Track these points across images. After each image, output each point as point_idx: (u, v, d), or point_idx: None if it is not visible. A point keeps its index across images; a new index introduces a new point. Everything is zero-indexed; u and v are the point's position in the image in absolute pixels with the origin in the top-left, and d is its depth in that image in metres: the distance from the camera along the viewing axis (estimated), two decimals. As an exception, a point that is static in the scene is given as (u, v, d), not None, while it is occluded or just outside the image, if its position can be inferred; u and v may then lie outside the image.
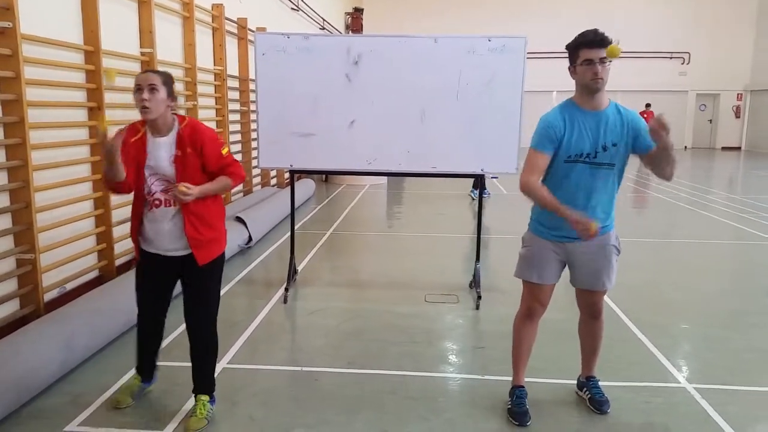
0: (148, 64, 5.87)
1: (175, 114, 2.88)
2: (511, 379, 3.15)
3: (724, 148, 22.86)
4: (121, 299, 4.09)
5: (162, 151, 2.82)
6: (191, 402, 3.07)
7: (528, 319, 3.05)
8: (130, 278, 4.49)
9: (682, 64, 22.45)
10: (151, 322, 3.15)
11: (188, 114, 6.90)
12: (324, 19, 15.05)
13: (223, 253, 3.02)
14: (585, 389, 3.18)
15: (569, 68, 2.77)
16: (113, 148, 2.62)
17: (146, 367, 3.21)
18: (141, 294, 3.10)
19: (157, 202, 2.85)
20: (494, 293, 4.99)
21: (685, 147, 22.89)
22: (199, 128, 2.86)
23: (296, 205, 8.74)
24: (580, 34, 2.72)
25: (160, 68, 6.02)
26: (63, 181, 4.58)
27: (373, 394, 3.27)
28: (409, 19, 21.29)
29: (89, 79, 4.92)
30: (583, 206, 2.75)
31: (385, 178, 12.02)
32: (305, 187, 9.97)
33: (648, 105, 17.23)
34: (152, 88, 2.71)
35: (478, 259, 5.08)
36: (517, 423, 2.94)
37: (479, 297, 4.77)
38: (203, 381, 3.05)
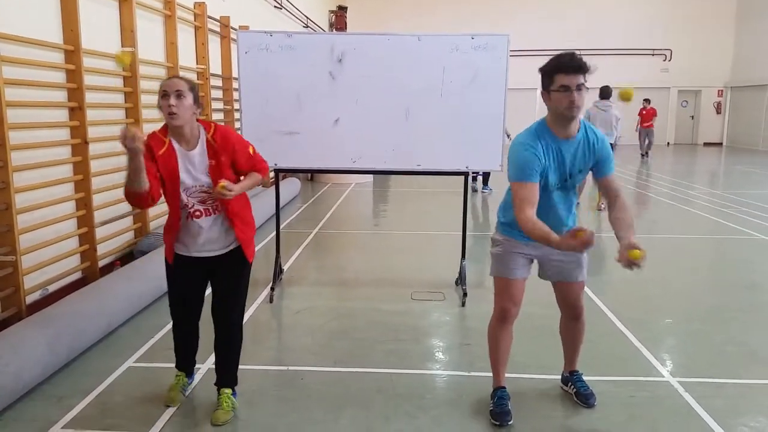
0: (130, 64, 5.81)
1: (199, 120, 2.87)
2: (497, 375, 3.17)
3: (705, 144, 23.12)
4: (104, 301, 4.07)
5: (195, 164, 2.82)
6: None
7: (502, 322, 3.01)
8: (113, 280, 4.49)
9: (664, 60, 22.66)
10: (189, 326, 3.15)
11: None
12: (308, 17, 15.00)
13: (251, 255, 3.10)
14: (570, 384, 3.19)
15: (542, 93, 2.68)
16: (139, 150, 2.53)
17: (187, 363, 3.25)
18: (174, 297, 3.09)
19: (198, 213, 2.87)
20: (480, 290, 5.00)
21: (668, 143, 23.12)
22: (229, 135, 2.88)
23: (282, 204, 8.72)
24: (554, 58, 2.63)
25: (142, 67, 6.01)
26: (44, 182, 4.52)
27: (359, 393, 3.27)
28: (394, 18, 21.28)
29: (70, 78, 4.86)
30: (551, 222, 2.70)
31: (371, 176, 12.02)
32: (291, 186, 9.94)
33: (647, 101, 17.12)
34: (179, 95, 2.70)
35: (463, 256, 5.10)
36: (498, 423, 2.93)
37: (465, 294, 4.79)
38: (228, 375, 3.10)
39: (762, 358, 3.75)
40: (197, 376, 3.42)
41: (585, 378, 3.19)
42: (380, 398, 3.21)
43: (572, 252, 2.71)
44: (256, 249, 6.38)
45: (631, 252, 2.44)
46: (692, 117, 23.48)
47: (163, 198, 2.88)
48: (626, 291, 5.16)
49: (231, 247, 2.96)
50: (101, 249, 5.27)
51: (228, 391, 3.07)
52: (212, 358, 3.63)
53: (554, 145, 2.71)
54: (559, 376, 3.32)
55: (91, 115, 5.07)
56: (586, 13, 22.00)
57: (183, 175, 2.80)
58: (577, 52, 2.67)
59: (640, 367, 3.62)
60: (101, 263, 5.26)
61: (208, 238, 2.91)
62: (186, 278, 3.02)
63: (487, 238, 7.07)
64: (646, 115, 17.12)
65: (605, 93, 8.61)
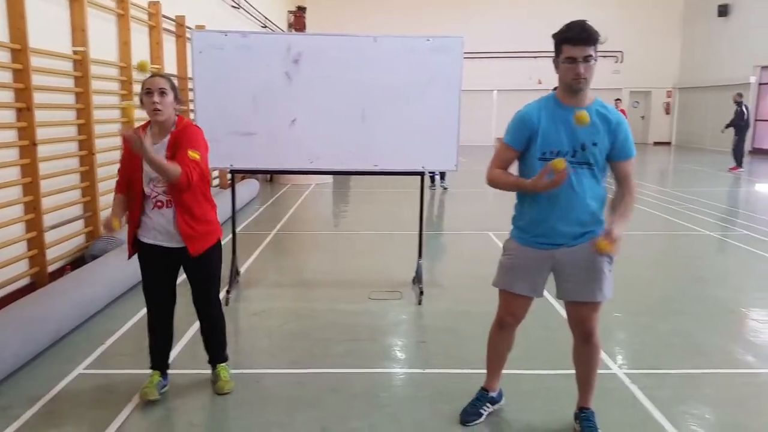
0: (80, 63, 5.69)
1: (178, 116, 3.04)
2: (449, 371, 3.20)
3: (655, 143, 23.85)
4: (53, 306, 3.96)
5: (161, 151, 2.92)
6: (127, 410, 3.02)
7: (500, 329, 2.91)
8: (63, 285, 4.38)
9: (616, 62, 23.30)
10: (160, 314, 3.21)
11: (123, 114, 6.73)
12: (266, 17, 14.89)
13: (218, 243, 3.17)
14: (578, 421, 2.90)
15: (553, 60, 2.57)
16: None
17: (162, 361, 3.26)
18: (146, 286, 3.19)
19: (159, 203, 2.99)
20: (436, 289, 5.07)
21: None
22: (187, 129, 2.99)
23: (240, 205, 8.65)
24: (565, 26, 2.51)
25: (93, 67, 5.88)
26: (-11, 185, 4.39)
27: (314, 393, 3.28)
28: (353, 19, 21.27)
29: (17, 78, 4.73)
30: (563, 206, 2.58)
31: (331, 176, 12.01)
32: (249, 188, 9.84)
33: (618, 100, 16.83)
34: (162, 92, 2.89)
35: (420, 255, 5.16)
36: (460, 420, 2.95)
37: (422, 293, 4.84)
38: (218, 352, 3.36)
39: (704, 349, 3.92)
40: (151, 381, 3.37)
41: (537, 372, 3.20)
42: (336, 398, 3.23)
43: (588, 256, 2.59)
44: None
45: (600, 241, 2.47)
46: (643, 117, 24.19)
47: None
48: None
49: (182, 244, 3.04)
50: (51, 253, 5.14)
51: (223, 364, 3.34)
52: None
53: (560, 112, 2.57)
54: (513, 371, 3.32)
55: (39, 116, 4.94)
56: (542, 16, 22.41)
57: (146, 166, 2.91)
58: (588, 22, 2.50)
59: (590, 360, 3.72)
60: (51, 268, 5.12)
61: (167, 228, 3.01)
62: (154, 267, 3.13)
63: (443, 237, 7.20)
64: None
65: None
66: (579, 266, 2.65)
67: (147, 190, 2.99)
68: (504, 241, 2.86)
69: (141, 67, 3.09)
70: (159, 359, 3.25)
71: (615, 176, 2.70)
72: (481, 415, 2.97)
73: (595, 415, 2.88)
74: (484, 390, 3.04)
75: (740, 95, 14.05)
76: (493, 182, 2.70)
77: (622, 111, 16.00)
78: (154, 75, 2.97)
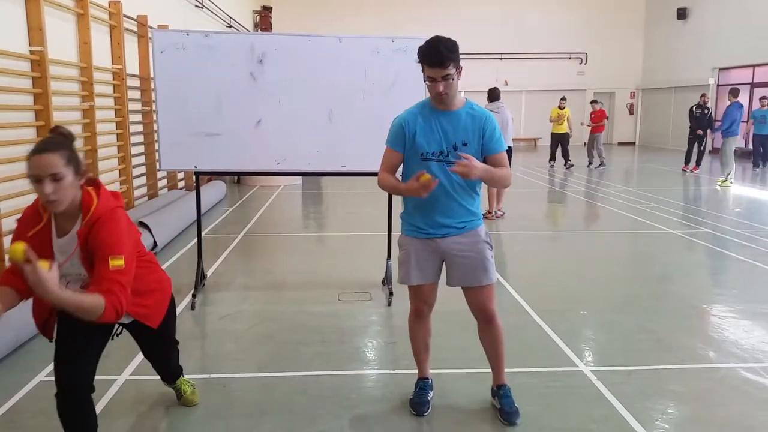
0: (38, 64, 5.54)
1: (83, 188, 2.27)
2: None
3: (620, 143, 24.32)
4: (11, 313, 3.82)
5: (66, 254, 2.30)
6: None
7: (417, 318, 3.11)
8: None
9: (580, 64, 23.71)
10: (76, 398, 2.45)
11: (85, 115, 6.57)
12: (231, 17, 14.73)
13: (171, 300, 2.74)
14: (496, 398, 3.09)
15: (423, 72, 2.75)
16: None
17: None
18: (61, 357, 2.43)
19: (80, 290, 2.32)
20: (405, 289, 5.03)
21: (584, 143, 24.13)
22: (101, 227, 2.21)
23: (207, 207, 8.53)
24: (423, 46, 2.67)
25: (53, 68, 5.72)
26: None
27: (283, 397, 3.25)
28: (320, 20, 21.18)
29: (-31, 78, 4.58)
30: (444, 203, 2.83)
31: (300, 178, 11.93)
32: (216, 189, 9.72)
33: (594, 102, 15.97)
34: (54, 177, 2.10)
35: (389, 256, 5.15)
36: (415, 413, 3.03)
37: (391, 294, 4.84)
38: (174, 372, 3.11)
39: (668, 345, 3.99)
40: (113, 388, 3.29)
41: (505, 370, 3.24)
42: (304, 401, 3.20)
43: (470, 245, 2.88)
44: (178, 255, 6.27)
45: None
46: (607, 118, 24.64)
47: None
48: (543, 284, 5.36)
49: (131, 319, 2.54)
50: (8, 260, 4.97)
51: (181, 378, 3.14)
52: (126, 370, 3.53)
53: (433, 116, 2.82)
54: (482, 369, 3.38)
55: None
56: (508, 18, 22.72)
57: (59, 258, 2.29)
58: (442, 41, 2.65)
59: (556, 358, 3.77)
60: (9, 274, 4.96)
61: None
62: (76, 338, 2.40)
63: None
64: (596, 118, 15.32)
65: (493, 96, 8.55)
66: (463, 254, 2.90)
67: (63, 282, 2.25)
68: (398, 238, 3.06)
69: (13, 255, 2.01)
70: None
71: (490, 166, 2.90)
72: (429, 402, 3.10)
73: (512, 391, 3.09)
74: (424, 379, 3.18)
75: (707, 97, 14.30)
76: (381, 185, 2.93)
77: (602, 111, 15.47)
78: (39, 150, 2.11)
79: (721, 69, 19.36)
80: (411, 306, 3.11)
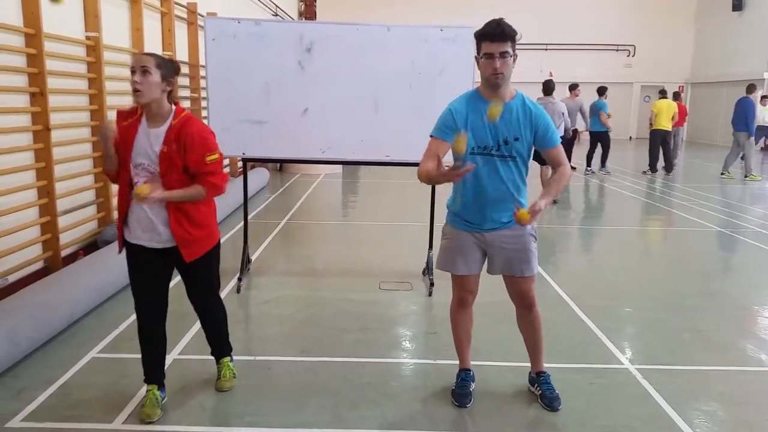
0: (93, 49, 5.69)
1: (175, 103, 2.77)
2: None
3: (667, 139, 23.65)
4: (66, 291, 4.00)
5: (151, 143, 2.69)
6: (141, 393, 3.03)
7: (460, 307, 3.10)
8: (75, 270, 4.41)
9: (628, 56, 23.10)
10: (151, 321, 2.91)
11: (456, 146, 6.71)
12: (277, 6, 14.84)
13: (216, 245, 2.96)
14: (536, 385, 3.12)
15: (475, 57, 2.74)
16: (106, 134, 2.63)
17: (158, 374, 2.99)
18: (135, 290, 2.88)
19: None
20: (446, 280, 4.95)
21: (630, 137, 23.61)
22: (191, 125, 2.71)
23: (250, 194, 8.65)
24: (483, 25, 2.66)
25: (106, 53, 5.88)
26: (3, 169, 4.41)
27: (326, 381, 3.30)
28: (363, 8, 21.16)
29: (30, 63, 4.74)
30: (492, 197, 2.79)
31: (341, 166, 12.00)
32: (259, 176, 9.86)
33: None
34: (144, 71, 2.61)
35: (431, 246, 5.15)
36: (458, 404, 3.03)
37: (432, 284, 4.84)
38: (221, 346, 3.24)
39: (716, 345, 3.89)
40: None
41: (547, 365, 3.24)
42: (347, 386, 3.24)
43: (515, 237, 2.86)
44: (223, 239, 6.39)
45: (521, 212, 2.61)
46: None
47: None
48: (587, 280, 5.29)
49: (174, 244, 2.80)
50: (64, 238, 5.17)
51: (226, 359, 3.23)
52: (175, 349, 3.63)
53: (484, 108, 2.71)
54: (522, 363, 3.38)
55: (53, 101, 4.95)
56: (552, 9, 22.25)
57: (137, 150, 2.70)
58: (505, 20, 2.66)
59: (600, 354, 3.72)
60: (64, 253, 5.15)
61: (150, 227, 2.75)
62: (141, 268, 2.85)
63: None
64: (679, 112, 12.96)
65: (548, 89, 8.42)
66: (508, 247, 2.89)
67: (131, 175, 2.74)
68: (442, 226, 3.05)
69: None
70: (154, 372, 2.97)
71: (549, 162, 2.89)
72: (471, 393, 3.08)
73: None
74: (466, 370, 3.17)
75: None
76: (420, 176, 2.76)
77: (682, 106, 13.18)
78: (141, 53, 2.74)
79: (777, 63, 18.62)
80: (454, 295, 3.12)
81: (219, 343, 3.24)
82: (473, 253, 2.94)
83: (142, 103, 2.67)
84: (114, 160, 2.72)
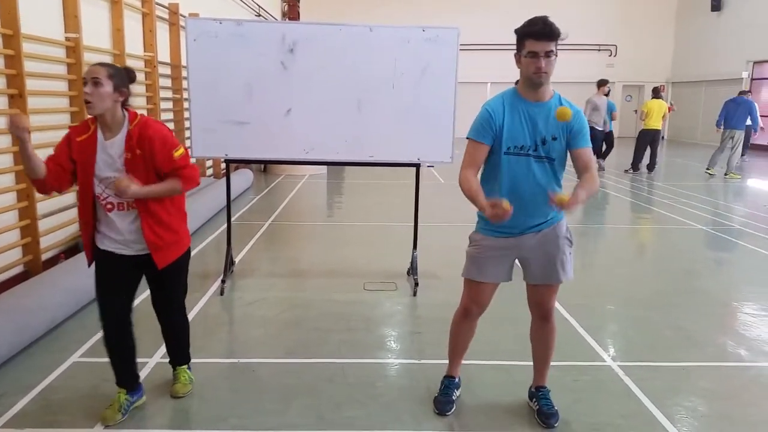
0: (73, 50, 5.63)
1: (127, 109, 2.74)
2: (444, 362, 3.20)
3: (647, 138, 23.92)
4: (47, 295, 3.95)
5: (112, 154, 2.69)
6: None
7: (465, 317, 2.98)
8: (56, 273, 4.36)
9: (610, 56, 23.33)
10: (116, 326, 2.86)
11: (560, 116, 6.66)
12: (260, 6, 14.78)
13: (186, 252, 2.96)
14: (534, 400, 3.02)
15: (515, 55, 2.63)
16: (19, 128, 2.50)
17: (127, 378, 2.95)
18: (101, 296, 2.85)
19: (110, 206, 2.75)
20: (431, 280, 5.08)
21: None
22: (148, 128, 2.70)
23: (233, 195, 8.59)
24: (527, 22, 2.57)
25: (87, 54, 5.81)
26: (-19, 172, 4.35)
27: (310, 382, 3.29)
28: (347, 9, 21.14)
29: (8, 64, 4.67)
30: (526, 199, 2.65)
31: (325, 167, 11.97)
32: (243, 178, 9.80)
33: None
34: (96, 82, 2.58)
35: (415, 246, 5.16)
36: (437, 411, 2.98)
37: (416, 284, 4.85)
38: (180, 354, 3.21)
39: (697, 342, 3.95)
40: (145, 370, 3.36)
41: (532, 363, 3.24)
42: (331, 387, 3.24)
43: (550, 241, 2.74)
44: (207, 241, 6.36)
45: (559, 195, 2.44)
46: (636, 111, 24.25)
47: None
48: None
49: (147, 251, 2.81)
50: (44, 242, 5.10)
51: (183, 367, 3.19)
52: (159, 353, 3.60)
53: (523, 107, 2.65)
54: (510, 362, 3.40)
55: (32, 102, 4.89)
56: (536, 9, 22.21)
57: (100, 165, 2.69)
58: (549, 18, 2.57)
59: (584, 352, 3.76)
60: (45, 256, 5.09)
61: (125, 234, 2.77)
62: (110, 275, 2.83)
63: (437, 229, 7.19)
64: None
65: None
66: (542, 250, 2.77)
67: (97, 190, 2.74)
68: (470, 233, 2.92)
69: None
70: (124, 376, 2.94)
71: (576, 167, 2.73)
72: (453, 402, 3.04)
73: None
74: (451, 377, 3.13)
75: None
76: (462, 185, 2.66)
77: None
78: (94, 64, 2.69)
79: (755, 62, 18.88)
80: (461, 304, 2.98)
81: (178, 352, 3.20)
82: (498, 262, 2.81)
83: (94, 114, 2.65)
84: (35, 161, 2.63)
